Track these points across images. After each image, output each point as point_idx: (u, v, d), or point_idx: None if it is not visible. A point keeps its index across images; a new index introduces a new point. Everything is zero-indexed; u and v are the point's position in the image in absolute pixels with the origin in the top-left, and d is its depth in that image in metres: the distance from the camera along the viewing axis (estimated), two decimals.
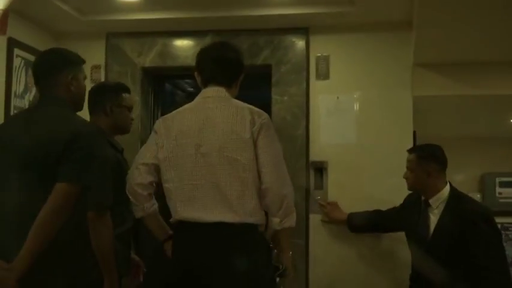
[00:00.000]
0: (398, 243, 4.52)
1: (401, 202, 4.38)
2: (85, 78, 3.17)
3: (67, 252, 2.84)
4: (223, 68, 3.32)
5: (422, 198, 4.11)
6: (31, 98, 4.79)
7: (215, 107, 3.20)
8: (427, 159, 4.07)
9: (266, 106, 4.82)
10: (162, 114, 5.08)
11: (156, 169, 3.22)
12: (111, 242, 2.92)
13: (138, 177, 3.22)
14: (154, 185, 3.26)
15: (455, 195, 4.04)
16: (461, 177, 5.40)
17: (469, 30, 4.05)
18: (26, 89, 4.75)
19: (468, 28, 4.01)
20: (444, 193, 4.03)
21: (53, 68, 3.04)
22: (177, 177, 3.14)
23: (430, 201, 4.04)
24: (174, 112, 3.32)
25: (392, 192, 4.51)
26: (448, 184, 4.08)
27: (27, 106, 4.73)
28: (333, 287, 4.66)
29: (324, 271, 4.70)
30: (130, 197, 3.25)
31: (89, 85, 4.87)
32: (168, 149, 3.18)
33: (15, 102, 4.61)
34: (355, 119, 4.79)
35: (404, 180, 4.17)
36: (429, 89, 4.71)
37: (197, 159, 3.11)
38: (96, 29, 5.00)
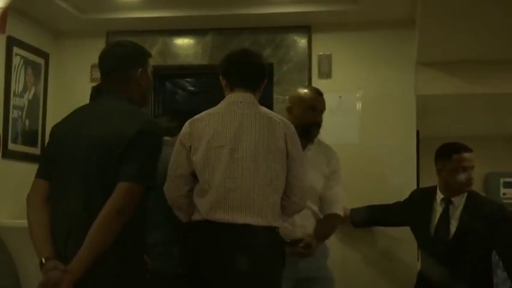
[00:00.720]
0: (400, 242, 4.54)
1: (407, 198, 4.35)
2: (152, 71, 3.08)
3: (117, 253, 2.69)
4: (250, 73, 3.45)
5: (441, 196, 4.09)
6: (30, 97, 4.81)
7: (249, 114, 3.31)
8: None
9: (268, 105, 4.74)
10: (163, 114, 5.13)
11: (192, 174, 3.30)
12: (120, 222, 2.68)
13: (176, 191, 3.32)
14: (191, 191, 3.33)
15: (472, 193, 4.09)
16: None
17: (472, 28, 4.05)
18: (25, 88, 4.76)
19: (472, 26, 4.00)
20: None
21: (123, 62, 2.96)
22: (211, 179, 3.22)
23: (454, 199, 4.05)
24: (203, 114, 3.37)
25: (395, 192, 4.49)
26: None
27: (26, 105, 4.75)
28: None
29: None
30: (173, 208, 3.36)
31: (88, 85, 4.87)
32: (202, 152, 3.25)
33: (14, 101, 4.63)
34: (358, 118, 4.77)
35: (406, 179, 4.16)
36: (433, 88, 4.70)
37: (231, 163, 3.22)
38: (96, 27, 4.99)
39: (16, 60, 4.66)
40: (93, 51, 4.89)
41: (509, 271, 3.89)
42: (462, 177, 4.02)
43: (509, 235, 3.92)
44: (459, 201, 4.02)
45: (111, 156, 2.73)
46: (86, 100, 4.72)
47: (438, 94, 4.78)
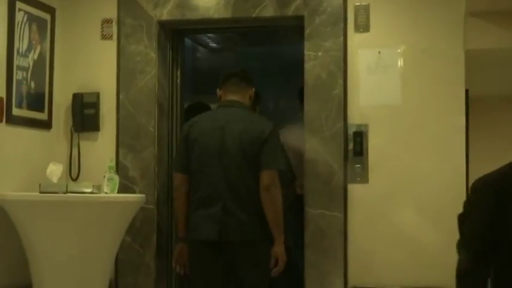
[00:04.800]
0: None
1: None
2: None
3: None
4: None
5: None
6: (36, 57, 4.82)
7: None
8: None
9: (298, 63, 4.89)
10: (182, 74, 5.33)
11: None
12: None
13: None
14: None
15: None
16: None
17: None
18: (30, 47, 4.77)
19: None
20: None
21: (248, 84, 4.46)
22: None
23: None
24: None
25: (442, 160, 4.51)
26: None
27: (31, 65, 4.77)
28: (374, 267, 4.66)
29: (365, 249, 4.68)
30: None
31: (99, 42, 5.09)
32: None
33: (18, 61, 4.63)
34: (400, 76, 4.72)
35: (454, 145, 4.25)
36: (484, 42, 4.66)
37: None
38: None
39: (19, 16, 4.64)
40: (104, 5, 5.12)
41: None
42: None
43: None
44: None
45: (254, 149, 4.21)
46: (97, 59, 5.18)
47: (490, 48, 4.74)
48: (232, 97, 4.40)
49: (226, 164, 4.21)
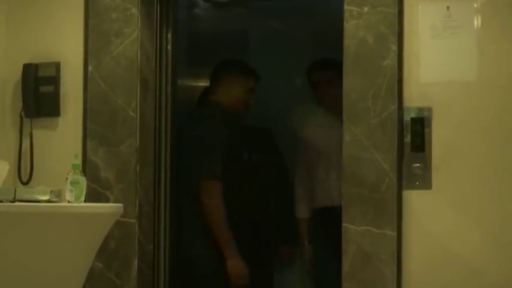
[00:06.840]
0: None
1: None
2: None
3: None
4: None
5: None
6: None
7: None
8: None
9: (336, 22, 4.68)
10: (174, 37, 5.25)
11: None
12: None
13: None
14: None
15: None
16: None
17: None
18: None
19: None
20: None
21: None
22: None
23: None
24: None
25: None
26: None
27: None
28: None
29: (425, 280, 4.51)
30: None
31: None
32: None
33: None
34: (476, 42, 4.49)
35: None
36: None
37: None
38: None
39: None
40: None
41: None
42: None
43: None
44: None
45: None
46: (57, 16, 5.07)
47: None
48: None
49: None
